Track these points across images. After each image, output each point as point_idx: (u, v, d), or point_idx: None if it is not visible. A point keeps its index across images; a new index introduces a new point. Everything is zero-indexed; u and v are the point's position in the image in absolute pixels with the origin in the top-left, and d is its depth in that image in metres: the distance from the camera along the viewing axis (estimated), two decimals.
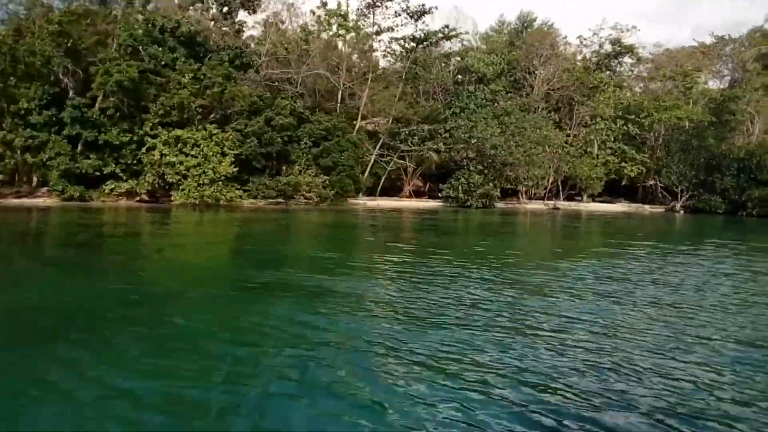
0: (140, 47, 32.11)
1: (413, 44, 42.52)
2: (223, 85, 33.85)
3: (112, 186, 32.32)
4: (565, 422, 5.28)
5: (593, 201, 53.84)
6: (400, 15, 42.50)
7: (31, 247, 16.84)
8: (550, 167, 45.74)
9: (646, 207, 50.57)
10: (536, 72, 50.83)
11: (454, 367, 6.48)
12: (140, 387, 5.80)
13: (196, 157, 31.73)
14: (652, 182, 51.85)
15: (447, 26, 42.77)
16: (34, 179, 32.95)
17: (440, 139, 41.91)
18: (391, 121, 43.20)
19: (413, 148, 42.17)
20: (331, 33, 39.93)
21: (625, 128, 49.06)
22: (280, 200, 35.10)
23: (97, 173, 31.84)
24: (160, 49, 33.34)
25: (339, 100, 42.56)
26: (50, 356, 6.63)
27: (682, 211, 46.67)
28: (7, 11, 35.55)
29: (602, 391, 5.99)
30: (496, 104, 45.76)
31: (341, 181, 37.00)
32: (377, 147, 43.07)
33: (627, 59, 57.10)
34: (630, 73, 58.24)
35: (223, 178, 31.99)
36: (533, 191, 49.99)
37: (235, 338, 7.56)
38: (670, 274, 13.70)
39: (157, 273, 12.83)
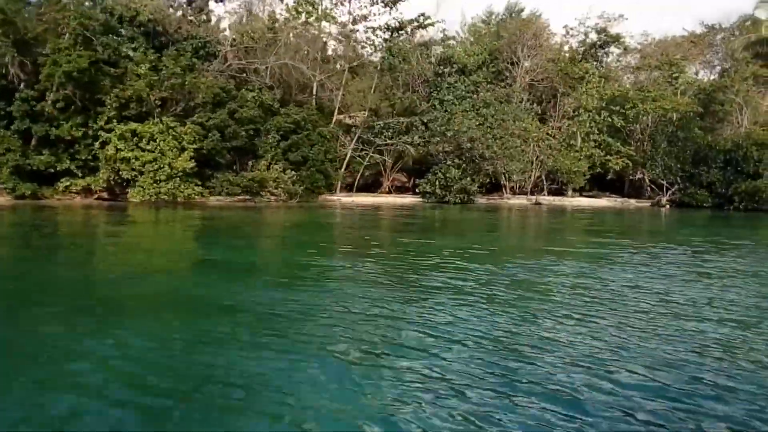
0: (93, 37, 30.20)
1: (387, 34, 40.61)
2: (184, 76, 32.04)
3: (68, 183, 30.58)
4: None
5: (579, 195, 52.12)
6: (376, 3, 40.63)
7: None
8: (531, 161, 43.90)
9: (632, 201, 48.77)
10: (519, 62, 48.84)
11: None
12: None
13: (153, 152, 29.93)
14: (639, 176, 50.05)
15: (423, 14, 40.85)
16: None
17: (415, 132, 40.08)
18: (367, 113, 41.37)
19: (388, 141, 40.34)
20: (300, 22, 37.95)
21: (610, 120, 47.20)
22: (248, 197, 33.39)
23: (51, 170, 30.07)
24: (116, 38, 31.48)
25: (313, 93, 40.69)
26: None
27: (667, 206, 44.86)
28: None
29: None
30: (476, 96, 43.87)
31: (311, 176, 35.22)
32: (353, 141, 41.28)
33: (614, 49, 55.32)
34: (617, 63, 56.37)
35: (180, 174, 30.19)
36: (518, 186, 48.20)
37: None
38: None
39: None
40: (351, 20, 41.44)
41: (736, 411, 5.60)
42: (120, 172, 29.89)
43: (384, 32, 40.57)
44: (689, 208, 43.55)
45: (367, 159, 41.24)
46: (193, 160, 30.67)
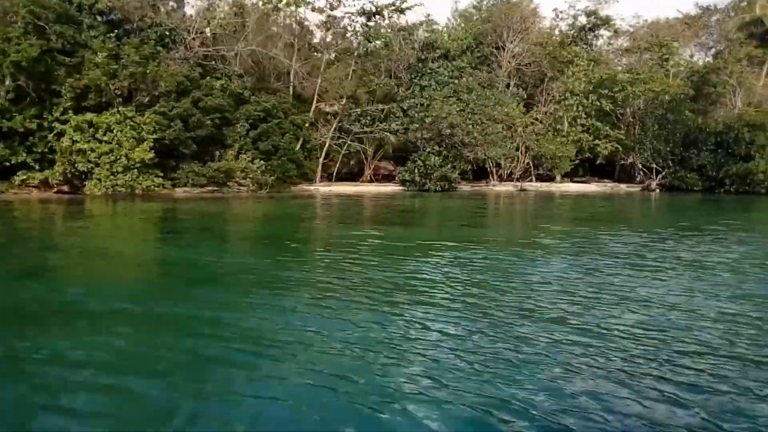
0: (46, 25, 28.67)
1: (364, 18, 38.86)
2: (146, 64, 30.50)
3: (24, 177, 29.15)
4: None
5: (568, 181, 50.25)
6: None
7: None
8: (517, 147, 42.08)
9: (622, 186, 46.84)
10: (505, 47, 46.88)
11: None
12: None
13: (110, 143, 28.44)
14: (630, 160, 48.06)
15: None
16: None
17: (393, 119, 38.36)
18: (345, 101, 39.64)
19: (365, 129, 38.66)
20: (270, 6, 36.19)
21: (598, 103, 45.22)
22: (216, 188, 31.88)
23: (6, 163, 28.68)
24: (72, 27, 29.92)
25: (291, 80, 38.95)
26: None
27: (657, 190, 42.95)
28: None
29: None
30: (458, 81, 42.04)
31: (282, 166, 33.63)
32: (332, 129, 39.61)
33: (604, 32, 53.24)
34: (609, 46, 54.29)
35: (138, 165, 28.67)
36: (506, 172, 46.40)
37: None
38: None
39: None
40: (328, 5, 39.65)
41: None
42: (76, 165, 28.40)
43: (360, 17, 38.77)
44: (680, 192, 41.66)
45: (344, 147, 39.54)
46: (152, 151, 29.11)
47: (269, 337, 6.96)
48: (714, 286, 9.96)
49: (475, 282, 10.12)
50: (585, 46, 51.67)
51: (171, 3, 35.68)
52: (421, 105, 38.66)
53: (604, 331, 7.14)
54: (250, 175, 32.15)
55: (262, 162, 32.60)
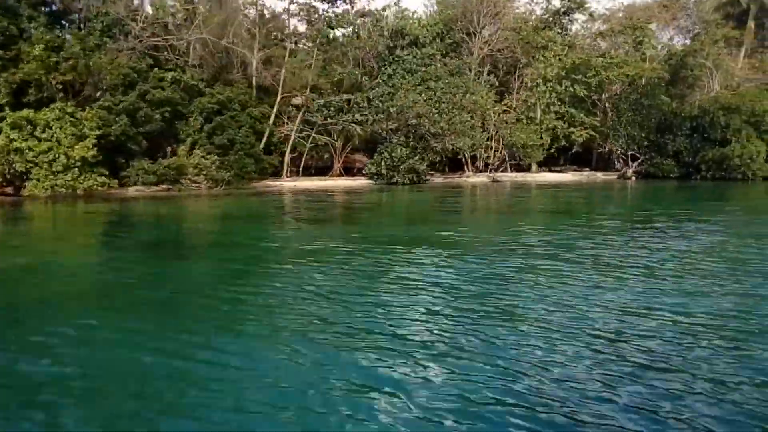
0: None
1: (326, 4, 37.05)
2: (91, 56, 28.69)
3: None
4: None
5: (546, 170, 48.79)
6: None
7: None
8: (490, 136, 40.44)
9: (599, 175, 45.43)
10: (476, 32, 45.13)
11: None
12: None
13: (49, 141, 26.64)
14: (608, 147, 46.58)
15: None
16: None
17: (357, 109, 36.65)
18: (309, 92, 37.87)
19: (328, 121, 36.95)
20: None
21: (572, 90, 43.67)
22: (170, 186, 30.14)
23: None
24: (8, 17, 27.98)
25: (254, 71, 37.06)
26: None
27: (633, 178, 41.54)
28: None
29: None
30: (426, 69, 40.31)
31: (239, 161, 31.91)
32: (297, 122, 37.87)
33: (579, 16, 51.59)
34: (585, 31, 52.62)
35: (79, 164, 26.88)
36: (482, 163, 44.84)
37: None
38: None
39: None
40: None
41: None
42: (14, 165, 26.59)
43: (323, 3, 36.94)
44: (656, 179, 40.30)
45: (309, 140, 37.82)
46: (95, 148, 27.32)
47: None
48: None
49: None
50: (560, 31, 50.10)
51: None
52: (387, 94, 36.93)
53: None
54: (204, 172, 30.42)
55: (216, 158, 30.84)
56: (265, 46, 37.60)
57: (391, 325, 7.35)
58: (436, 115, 36.17)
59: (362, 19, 42.03)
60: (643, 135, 40.85)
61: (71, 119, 27.09)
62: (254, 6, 38.26)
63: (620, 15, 51.64)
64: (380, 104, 36.42)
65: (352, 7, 37.97)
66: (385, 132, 37.22)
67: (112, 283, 10.32)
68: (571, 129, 44.36)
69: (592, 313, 7.83)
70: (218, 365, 6.15)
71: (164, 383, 5.76)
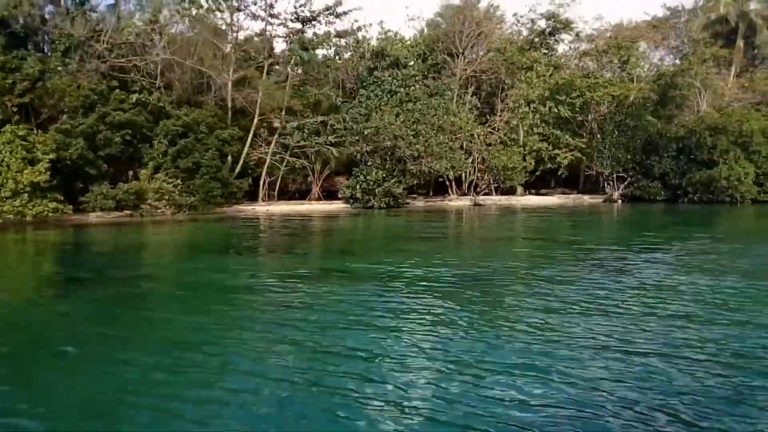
0: None
1: (299, 25, 36.03)
2: (48, 78, 27.61)
3: None
4: None
5: (531, 193, 47.39)
6: None
7: None
8: (469, 158, 39.08)
9: (586, 198, 44.00)
10: (458, 53, 44.01)
11: None
12: None
13: None
14: (596, 169, 45.14)
15: (337, 2, 36.13)
16: None
17: (329, 131, 35.41)
18: (284, 114, 36.68)
19: (301, 143, 35.72)
20: (192, 13, 33.26)
21: (556, 111, 42.39)
22: (133, 212, 28.82)
23: None
24: None
25: (228, 92, 35.91)
26: None
27: (619, 201, 40.07)
28: None
29: None
30: (404, 90, 39.12)
31: (204, 185, 30.59)
32: (272, 144, 36.65)
33: (566, 36, 50.54)
34: (573, 51, 51.47)
35: (28, 189, 25.58)
36: (466, 186, 43.49)
37: None
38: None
39: None
40: (267, 14, 36.74)
41: None
42: None
43: (295, 23, 35.94)
44: (643, 202, 38.82)
45: (284, 163, 36.56)
46: (48, 173, 26.03)
47: None
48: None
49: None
50: (546, 51, 49.03)
51: (88, 12, 32.55)
52: (361, 116, 35.71)
53: None
54: (166, 197, 29.10)
55: (179, 182, 29.55)
56: (240, 67, 36.51)
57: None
58: (412, 137, 34.85)
59: (339, 39, 41.08)
60: (629, 157, 39.41)
61: (23, 143, 25.86)
62: (230, 27, 37.29)
63: (608, 35, 50.58)
64: (354, 126, 35.16)
65: (328, 26, 36.91)
66: (360, 154, 35.92)
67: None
68: (556, 151, 43.06)
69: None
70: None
71: None
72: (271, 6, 34.80)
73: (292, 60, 36.43)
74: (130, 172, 29.91)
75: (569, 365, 6.57)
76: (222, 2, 33.41)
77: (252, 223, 27.49)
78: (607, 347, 7.23)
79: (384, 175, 35.29)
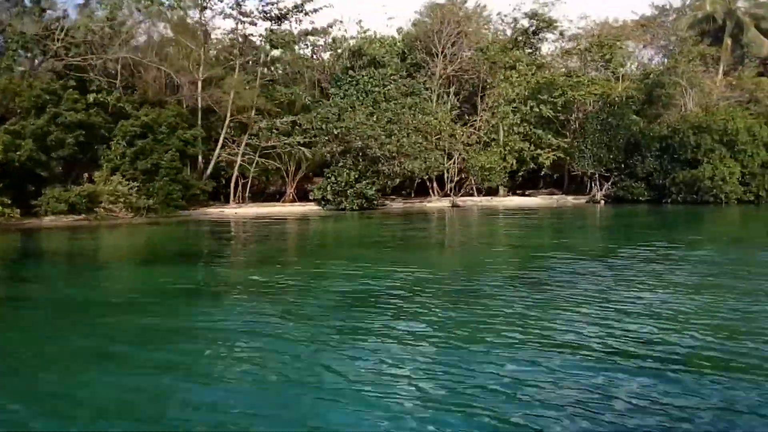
0: None
1: (268, 23, 34.65)
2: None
3: None
4: None
5: (519, 193, 45.92)
6: None
7: None
8: (445, 158, 37.56)
9: (569, 198, 42.44)
10: (438, 52, 42.52)
11: None
12: None
13: None
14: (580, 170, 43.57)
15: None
16: None
17: (299, 131, 33.98)
18: (254, 113, 35.29)
19: (271, 144, 34.31)
20: (152, 10, 31.82)
21: (538, 110, 40.88)
22: (91, 215, 27.37)
23: None
24: None
25: (198, 92, 34.53)
26: None
27: (602, 202, 38.52)
28: None
29: None
30: (379, 90, 37.68)
31: (164, 187, 29.16)
32: (243, 145, 35.27)
33: (549, 35, 49.02)
34: (557, 50, 49.97)
35: None
36: (449, 187, 41.92)
37: None
38: None
39: None
40: (237, 11, 35.32)
41: None
42: None
43: (264, 21, 34.55)
44: (626, 203, 37.26)
45: (253, 164, 35.15)
46: None
47: None
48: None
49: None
50: (530, 50, 47.59)
51: (47, 10, 31.21)
52: (333, 115, 34.27)
53: None
54: (122, 199, 27.67)
55: (135, 183, 28.13)
56: (210, 66, 35.14)
57: None
58: (384, 137, 33.38)
59: (316, 38, 39.75)
60: (611, 156, 37.84)
61: None
62: (198, 25, 35.93)
63: (594, 34, 49.07)
64: (324, 126, 33.73)
65: (298, 24, 35.52)
66: (330, 155, 34.48)
67: None
68: (539, 151, 41.55)
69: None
70: None
71: None
72: (239, 4, 33.36)
73: (261, 59, 34.99)
74: (86, 175, 28.50)
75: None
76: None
77: (210, 227, 26.03)
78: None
79: (356, 176, 33.85)
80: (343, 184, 33.51)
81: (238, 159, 35.45)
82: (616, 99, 39.85)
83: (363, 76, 38.98)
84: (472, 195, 42.61)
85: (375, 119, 34.63)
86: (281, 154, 36.19)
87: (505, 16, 49.51)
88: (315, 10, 34.77)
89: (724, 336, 7.08)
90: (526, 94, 40.56)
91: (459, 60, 42.84)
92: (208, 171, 36.00)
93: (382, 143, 33.10)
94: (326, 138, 33.87)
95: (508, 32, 49.02)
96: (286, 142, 33.42)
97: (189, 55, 34.31)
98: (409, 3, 68.31)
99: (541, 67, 44.53)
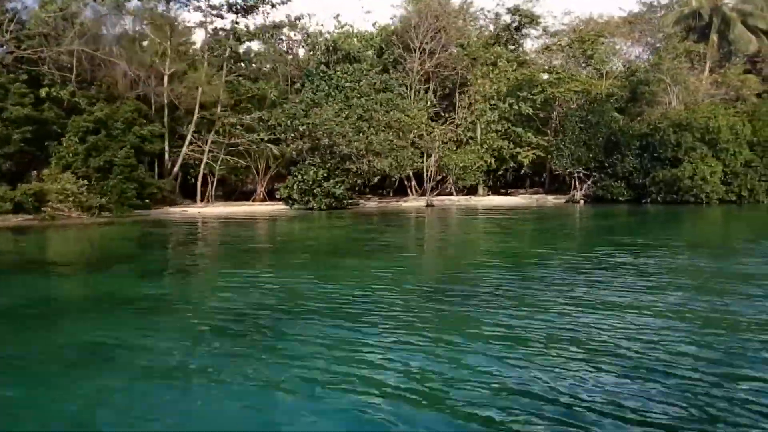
0: None
1: (234, 15, 33.23)
2: None
3: None
4: None
5: (502, 192, 44.63)
6: None
7: None
8: (410, 157, 35.89)
9: (550, 198, 41.06)
10: (416, 48, 41.05)
11: None
12: None
13: None
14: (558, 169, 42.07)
15: None
16: None
17: (264, 128, 32.57)
18: (219, 109, 33.90)
19: (235, 141, 32.92)
20: (109, 2, 30.39)
21: (517, 108, 39.46)
22: (43, 214, 25.93)
23: None
24: None
25: (164, 86, 33.15)
26: None
27: (581, 201, 37.10)
28: None
29: None
30: (350, 85, 36.23)
31: (118, 185, 27.72)
32: (208, 143, 33.89)
33: (533, 31, 47.58)
34: (539, 46, 48.52)
35: None
36: (429, 186, 40.48)
37: None
38: None
39: None
40: (206, 4, 33.90)
41: None
42: None
43: (229, 13, 33.11)
44: (606, 202, 35.82)
45: (219, 162, 33.77)
46: None
47: None
48: None
49: None
50: (513, 47, 46.19)
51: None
52: (301, 111, 32.85)
53: None
54: (71, 198, 26.23)
55: (86, 182, 26.70)
56: (175, 59, 33.73)
57: None
58: (351, 135, 31.96)
59: (287, 30, 38.34)
60: (590, 155, 36.41)
61: None
62: (165, 17, 34.47)
63: (576, 30, 47.64)
64: (290, 122, 32.31)
65: (266, 18, 34.07)
66: (297, 153, 33.07)
67: None
68: (518, 149, 40.17)
69: None
70: None
71: None
72: None
73: (228, 53, 33.57)
74: (35, 173, 27.10)
75: None
76: None
77: (162, 228, 24.53)
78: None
79: (325, 174, 32.43)
80: (310, 182, 32.10)
81: (205, 157, 34.10)
82: (597, 96, 38.44)
83: (336, 71, 37.59)
84: (451, 194, 41.29)
85: (345, 116, 33.21)
86: (250, 151, 34.87)
87: (488, 11, 48.16)
88: (283, 2, 33.24)
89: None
90: (506, 91, 39.12)
91: (437, 56, 41.41)
92: (176, 168, 34.75)
93: (350, 140, 31.64)
94: (292, 135, 32.43)
95: (492, 28, 47.68)
96: (249, 138, 31.97)
97: (156, 49, 32.96)
98: None
99: (523, 64, 43.12)
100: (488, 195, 42.65)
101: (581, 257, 13.80)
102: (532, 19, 45.34)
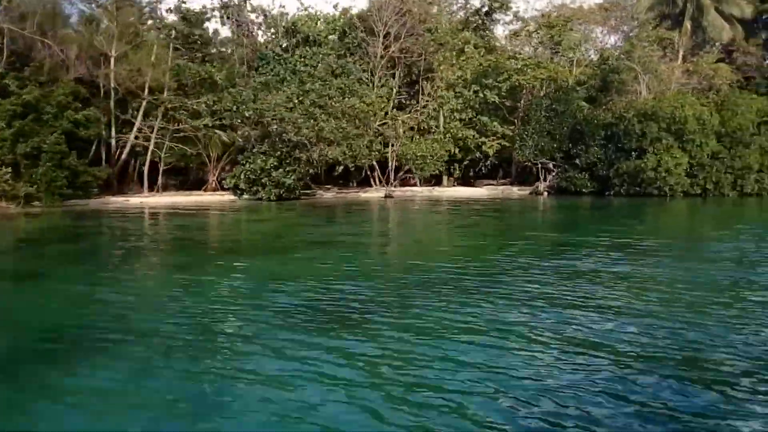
0: None
1: None
2: None
3: None
4: None
5: (462, 185, 43.07)
6: None
7: None
8: (365, 146, 34.21)
9: (515, 189, 39.62)
10: (380, 31, 39.27)
11: None
12: None
13: None
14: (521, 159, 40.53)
15: None
16: None
17: (207, 113, 30.84)
18: (166, 93, 32.11)
19: (177, 126, 31.21)
20: None
21: (482, 96, 37.85)
22: None
23: None
24: None
25: (111, 69, 31.29)
26: None
27: (545, 193, 35.74)
28: None
29: None
30: (308, 69, 34.55)
31: (47, 173, 25.97)
32: (155, 130, 32.12)
33: (504, 17, 45.92)
34: (510, 32, 46.88)
35: None
36: (390, 176, 38.84)
37: None
38: None
39: None
40: None
41: None
42: None
43: None
44: (570, 194, 34.48)
45: (163, 149, 32.04)
46: None
47: None
48: None
49: None
50: (484, 33, 44.46)
51: None
52: (247, 96, 31.13)
53: None
54: None
55: (8, 170, 24.95)
56: (121, 41, 31.84)
57: None
58: (301, 121, 30.29)
59: (249, 13, 36.50)
60: (554, 145, 34.97)
61: None
62: None
63: (553, 16, 46.01)
64: (237, 108, 30.60)
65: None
66: (245, 140, 31.39)
67: None
68: (483, 139, 38.61)
69: None
70: None
71: None
72: None
73: (173, 34, 31.74)
74: None
75: None
76: None
77: (88, 220, 22.76)
78: None
79: (274, 163, 30.79)
80: (258, 171, 30.47)
81: (151, 144, 32.40)
82: (564, 84, 36.97)
83: (295, 55, 35.85)
84: (415, 185, 39.81)
85: (299, 101, 31.54)
86: (200, 138, 33.15)
87: None
88: None
89: None
90: (470, 78, 37.49)
91: (402, 40, 39.65)
92: (124, 156, 33.07)
93: (299, 128, 29.99)
94: (239, 121, 30.74)
95: (462, 14, 46.00)
96: (193, 124, 30.27)
97: (102, 30, 31.12)
98: None
99: (492, 51, 41.49)
100: (453, 186, 41.19)
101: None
102: (503, 4, 43.68)
